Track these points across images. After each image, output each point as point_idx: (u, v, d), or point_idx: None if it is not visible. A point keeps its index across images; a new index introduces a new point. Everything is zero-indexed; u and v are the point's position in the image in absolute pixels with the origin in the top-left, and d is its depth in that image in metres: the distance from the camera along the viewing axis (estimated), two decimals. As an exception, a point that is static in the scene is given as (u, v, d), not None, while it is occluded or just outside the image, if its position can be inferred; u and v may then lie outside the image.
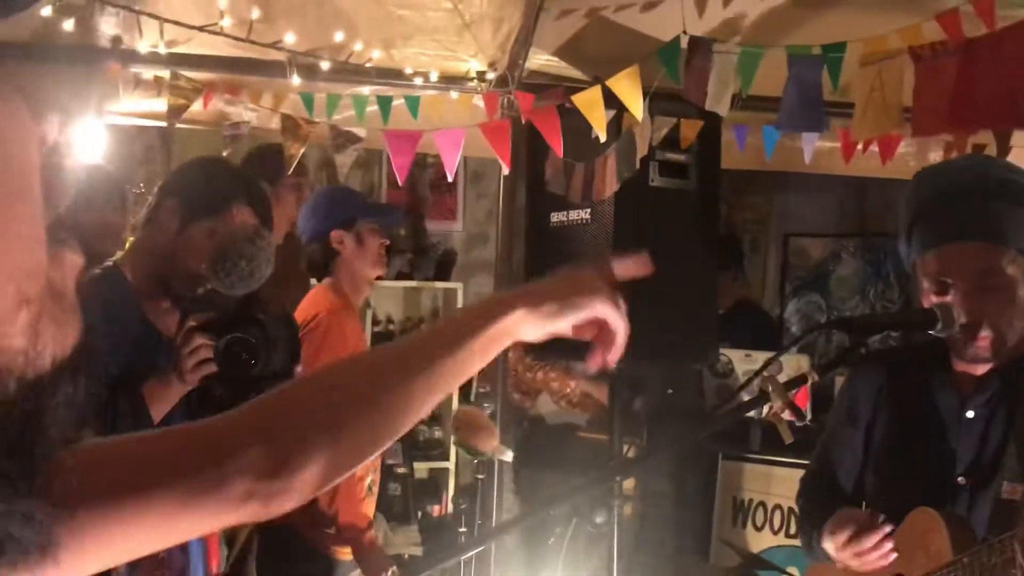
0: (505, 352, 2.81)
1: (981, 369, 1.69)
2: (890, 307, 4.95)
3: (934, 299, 1.64)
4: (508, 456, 2.65)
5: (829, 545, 1.70)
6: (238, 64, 2.63)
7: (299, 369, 1.97)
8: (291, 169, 2.78)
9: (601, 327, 0.94)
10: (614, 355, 0.96)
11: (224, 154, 2.69)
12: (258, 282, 1.90)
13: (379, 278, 2.93)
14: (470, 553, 1.80)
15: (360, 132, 2.72)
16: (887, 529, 1.63)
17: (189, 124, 2.84)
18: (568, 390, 4.18)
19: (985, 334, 1.62)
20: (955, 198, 1.67)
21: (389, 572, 2.46)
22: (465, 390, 4.69)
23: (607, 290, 0.93)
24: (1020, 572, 1.41)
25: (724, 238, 4.57)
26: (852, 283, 5.08)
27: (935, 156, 2.90)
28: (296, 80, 2.59)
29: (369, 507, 2.73)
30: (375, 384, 0.82)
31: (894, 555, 1.63)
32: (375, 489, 2.80)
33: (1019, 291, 1.62)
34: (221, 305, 1.88)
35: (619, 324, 0.95)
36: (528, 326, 0.89)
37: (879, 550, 1.63)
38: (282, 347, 1.91)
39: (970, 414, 1.68)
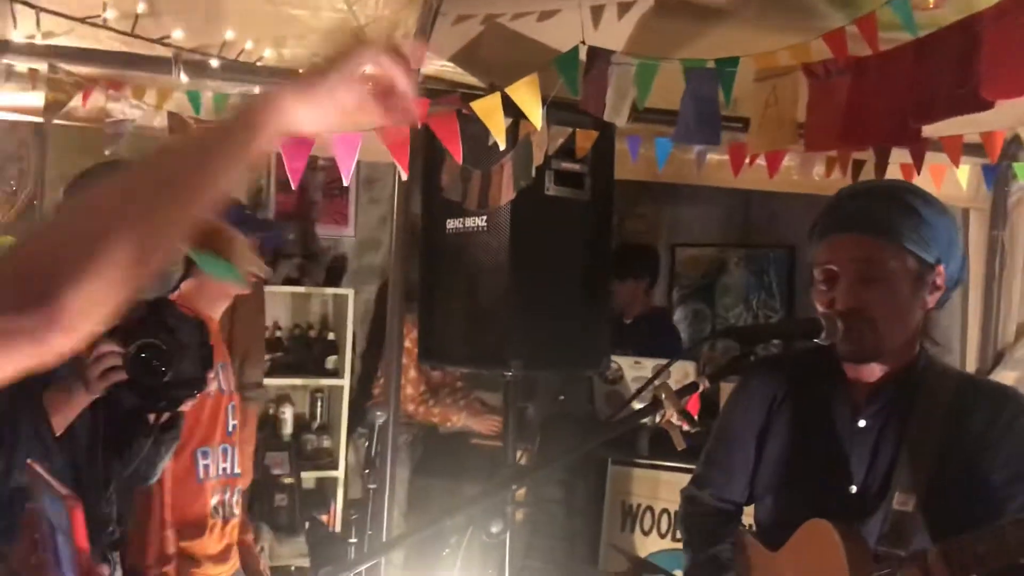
0: (399, 362, 2.74)
1: (873, 377, 1.73)
2: (772, 316, 5.11)
3: (820, 288, 1.69)
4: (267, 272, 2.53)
5: None
6: (121, 59, 2.51)
7: (211, 376, 1.90)
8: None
9: (382, 87, 0.89)
10: (404, 107, 0.91)
11: (106, 153, 2.57)
12: (169, 284, 1.83)
13: (265, 282, 2.81)
14: (363, 567, 1.76)
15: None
16: None
17: (67, 120, 2.71)
18: (449, 423, 4.19)
19: (864, 328, 1.65)
20: (850, 199, 1.74)
21: None
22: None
23: (372, 44, 0.90)
24: None
25: (638, 248, 4.65)
26: (736, 292, 5.23)
27: (818, 170, 3.01)
28: (183, 78, 2.50)
29: (211, 538, 2.59)
30: (136, 201, 0.80)
31: None
32: (227, 515, 2.65)
33: (900, 287, 1.65)
34: (128, 310, 1.79)
35: (394, 68, 0.89)
36: (303, 111, 0.86)
37: None
38: (193, 353, 1.86)
39: (862, 423, 1.71)
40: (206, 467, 2.56)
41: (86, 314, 0.76)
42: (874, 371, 1.72)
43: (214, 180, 0.83)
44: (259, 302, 3.89)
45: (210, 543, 2.57)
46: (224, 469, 2.62)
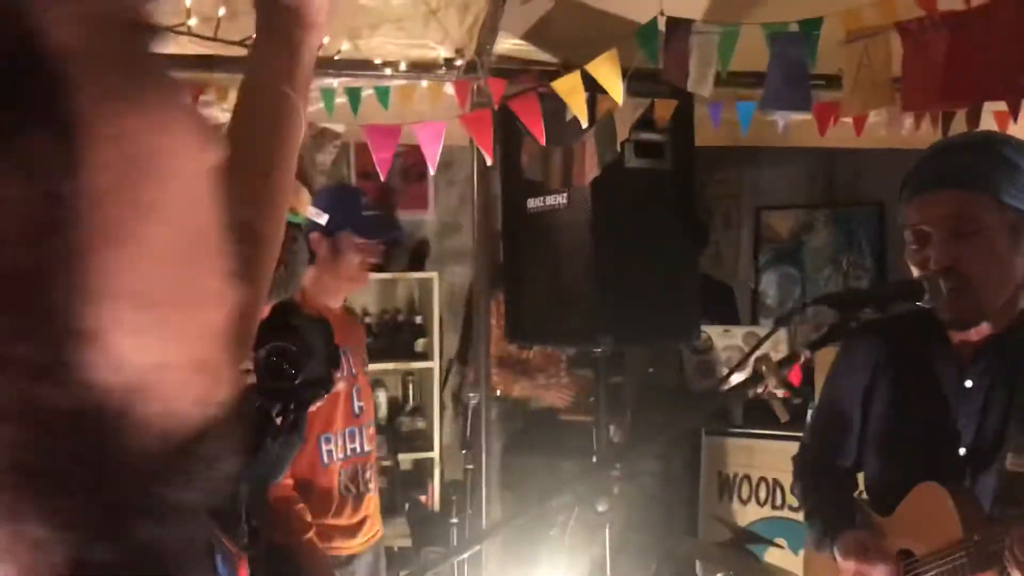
0: (487, 343, 2.76)
1: (978, 336, 1.69)
2: (863, 276, 4.99)
3: (912, 248, 1.65)
4: (323, 218, 2.54)
5: (839, 558, 1.72)
6: (208, 63, 2.57)
7: (338, 375, 1.92)
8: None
9: None
10: None
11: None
12: (296, 287, 1.85)
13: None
14: (469, 552, 1.78)
15: (338, 128, 2.67)
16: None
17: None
18: (514, 394, 4.16)
19: (963, 288, 1.60)
20: (938, 155, 1.69)
21: None
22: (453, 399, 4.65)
23: None
24: None
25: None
26: (825, 253, 5.11)
27: (908, 123, 2.92)
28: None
29: (341, 515, 2.68)
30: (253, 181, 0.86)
31: None
32: (359, 491, 2.74)
33: (997, 241, 1.60)
34: None
35: None
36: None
37: None
38: (320, 353, 1.84)
39: (968, 384, 1.68)
40: (329, 452, 2.66)
41: None
42: (980, 329, 1.67)
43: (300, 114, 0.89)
44: None
45: (340, 519, 2.67)
46: (353, 450, 2.72)
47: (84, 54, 0.30)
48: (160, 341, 0.32)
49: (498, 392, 4.15)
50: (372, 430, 2.90)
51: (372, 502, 2.85)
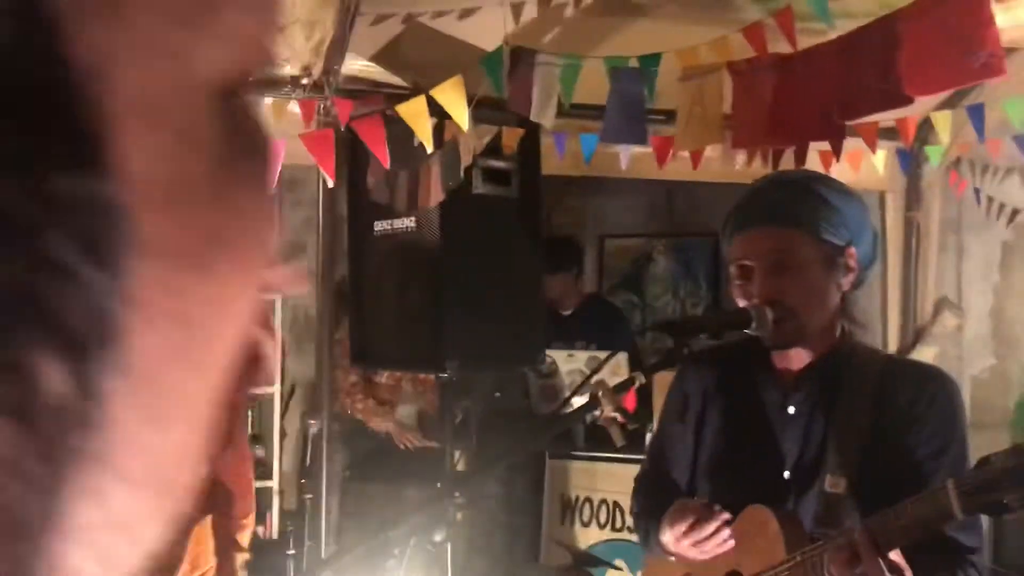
0: (331, 367, 2.69)
1: (799, 364, 1.77)
2: (698, 303, 5.19)
3: (737, 283, 1.73)
4: None
5: (667, 537, 1.73)
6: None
7: None
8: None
9: None
10: None
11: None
12: None
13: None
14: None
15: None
16: (725, 516, 1.68)
17: None
18: (371, 424, 4.11)
19: (785, 315, 1.68)
20: (758, 194, 1.78)
21: None
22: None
23: None
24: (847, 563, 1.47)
25: (561, 241, 4.67)
26: (664, 281, 5.30)
27: (740, 159, 3.05)
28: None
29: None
30: None
31: (732, 543, 1.68)
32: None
33: (814, 273, 1.70)
34: None
35: None
36: None
37: (717, 538, 1.68)
38: None
39: (791, 410, 1.75)
40: None
41: None
42: (801, 357, 1.76)
43: None
44: None
45: None
46: None
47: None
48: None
49: (349, 412, 4.07)
50: None
51: (200, 533, 2.71)
